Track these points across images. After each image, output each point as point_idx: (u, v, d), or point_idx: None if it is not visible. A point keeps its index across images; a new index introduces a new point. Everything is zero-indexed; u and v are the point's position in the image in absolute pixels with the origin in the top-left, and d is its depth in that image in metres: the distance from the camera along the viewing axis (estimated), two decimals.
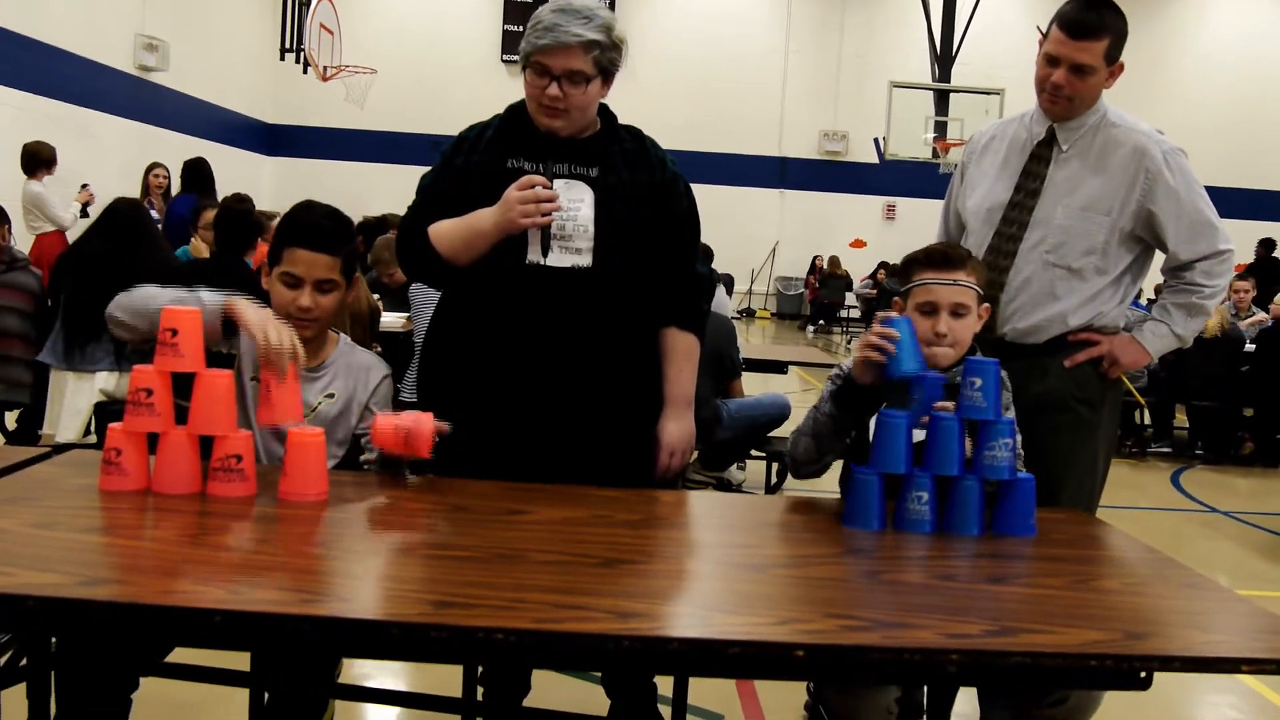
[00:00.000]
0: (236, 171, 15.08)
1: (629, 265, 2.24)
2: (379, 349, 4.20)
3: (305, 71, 13.55)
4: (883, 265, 17.02)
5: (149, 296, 2.03)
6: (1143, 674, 1.46)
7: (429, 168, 2.32)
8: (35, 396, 4.66)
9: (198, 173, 7.73)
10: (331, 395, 2.21)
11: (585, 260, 2.20)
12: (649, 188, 2.29)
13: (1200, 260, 2.56)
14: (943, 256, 2.19)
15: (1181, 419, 8.05)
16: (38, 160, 7.85)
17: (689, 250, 2.36)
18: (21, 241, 7.40)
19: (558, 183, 2.18)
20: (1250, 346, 7.71)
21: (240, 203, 4.75)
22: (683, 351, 2.35)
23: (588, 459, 2.20)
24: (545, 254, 2.16)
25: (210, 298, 2.02)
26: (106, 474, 1.79)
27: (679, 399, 2.35)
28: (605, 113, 2.32)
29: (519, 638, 1.34)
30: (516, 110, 2.28)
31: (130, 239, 4.42)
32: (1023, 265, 2.55)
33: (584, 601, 1.46)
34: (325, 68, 13.04)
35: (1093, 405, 2.58)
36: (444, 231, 2.19)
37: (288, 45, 14.59)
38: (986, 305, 2.25)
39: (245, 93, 16.62)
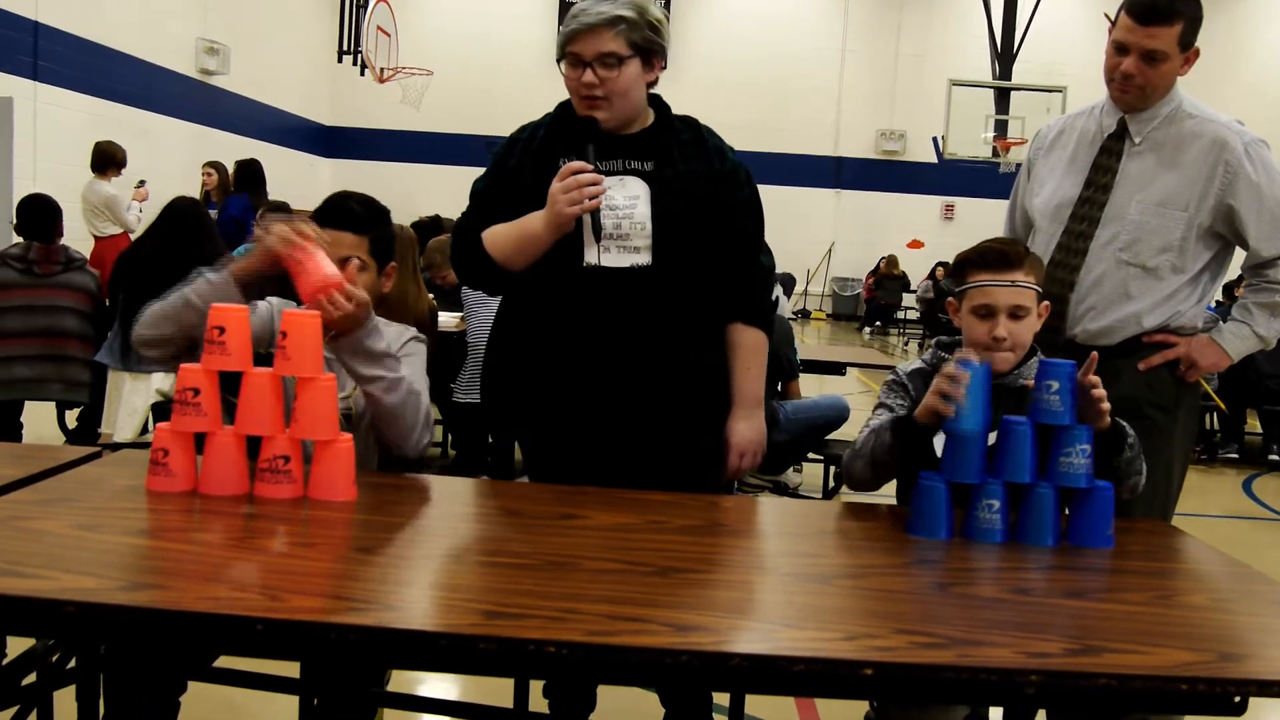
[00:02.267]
0: (294, 172, 15.27)
1: (690, 261, 2.17)
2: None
3: (363, 74, 13.68)
4: (940, 264, 16.76)
5: (161, 302, 2.00)
6: (1237, 699, 1.36)
7: (483, 169, 2.27)
8: (94, 396, 4.71)
9: (250, 173, 7.79)
10: None
11: (644, 259, 2.13)
12: (708, 179, 2.21)
13: None
14: (999, 256, 2.08)
15: (1253, 423, 7.80)
16: (111, 160, 7.94)
17: (753, 242, 2.28)
18: (81, 244, 7.53)
19: (611, 180, 2.12)
20: None
21: (276, 209, 4.75)
22: (750, 348, 2.27)
23: (654, 462, 2.14)
24: (598, 242, 2.09)
25: (212, 273, 1.97)
26: (154, 474, 1.76)
27: (748, 398, 2.27)
28: (658, 104, 2.25)
29: (571, 651, 1.28)
30: (566, 108, 2.22)
31: (188, 237, 4.44)
32: (1094, 264, 2.45)
33: (640, 613, 1.39)
34: (382, 70, 13.14)
35: (1167, 410, 2.47)
36: (497, 237, 2.13)
37: (345, 48, 14.74)
38: (1046, 304, 2.15)
39: (303, 95, 16.80)
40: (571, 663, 1.29)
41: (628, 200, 2.14)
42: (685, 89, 18.69)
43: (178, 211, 4.55)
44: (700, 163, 2.22)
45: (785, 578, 1.60)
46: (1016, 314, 2.05)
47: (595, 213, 2.06)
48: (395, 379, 1.99)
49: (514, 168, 2.18)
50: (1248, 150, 2.41)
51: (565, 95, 2.23)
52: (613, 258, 2.11)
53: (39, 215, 4.74)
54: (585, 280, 2.11)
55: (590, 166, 2.06)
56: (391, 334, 2.16)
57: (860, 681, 1.29)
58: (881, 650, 1.32)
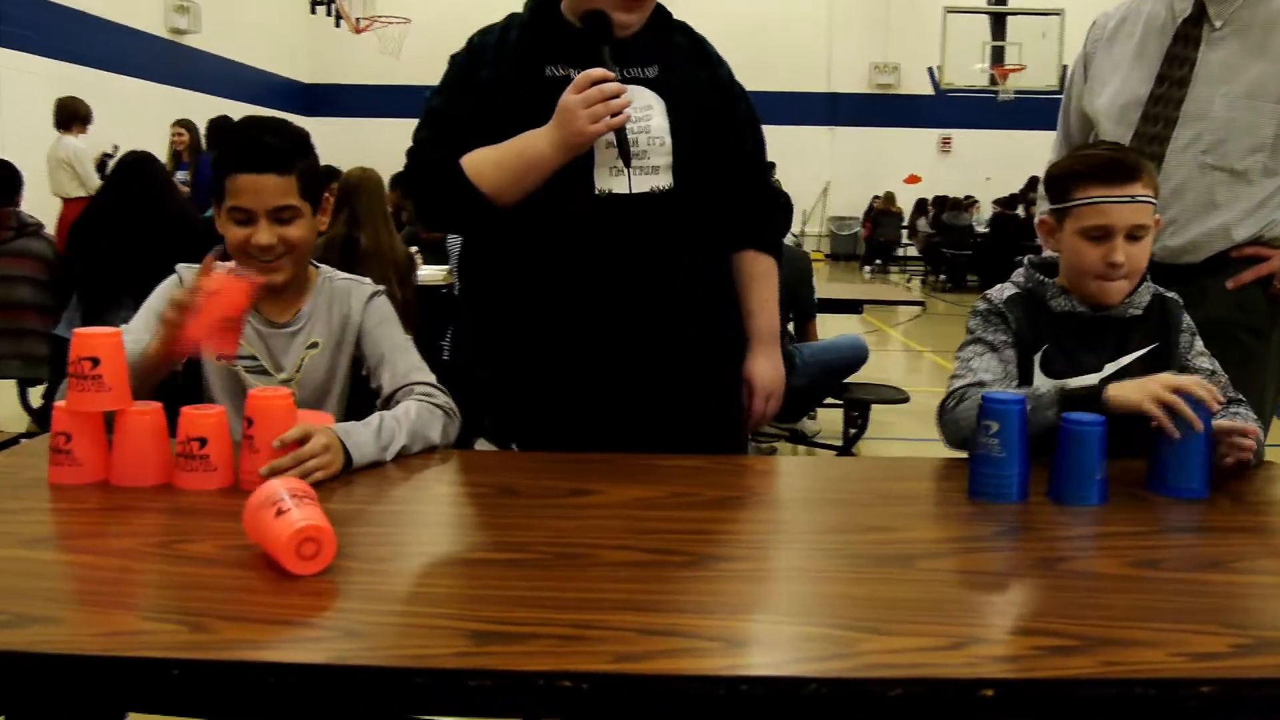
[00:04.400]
0: None
1: (711, 182, 1.83)
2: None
3: (338, 25, 13.20)
4: (937, 200, 16.36)
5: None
6: None
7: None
8: (56, 372, 4.37)
9: (223, 131, 7.39)
10: (315, 345, 1.81)
11: (665, 180, 1.79)
12: (713, 88, 1.88)
13: None
14: (1114, 166, 1.72)
15: None
16: (75, 115, 7.61)
17: (761, 161, 1.97)
18: (49, 208, 7.18)
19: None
20: None
21: None
22: (764, 278, 1.95)
23: (670, 416, 1.81)
24: (628, 166, 1.73)
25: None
26: (55, 465, 1.43)
27: (766, 333, 1.96)
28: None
29: (593, 685, 0.96)
30: (543, 5, 1.85)
31: (142, 193, 4.07)
32: (1173, 170, 2.11)
33: (678, 623, 1.07)
34: (358, 20, 12.67)
35: (1260, 334, 2.15)
36: (485, 163, 1.75)
37: None
38: (1158, 217, 1.81)
39: (279, 52, 16.25)
40: (594, 700, 0.97)
41: (641, 112, 1.78)
42: None
43: (128, 166, 4.18)
44: (702, 69, 1.89)
45: (854, 561, 1.27)
46: (1135, 234, 1.71)
47: (621, 130, 1.70)
48: (408, 442, 1.64)
49: (487, 80, 1.80)
50: None
51: None
52: (628, 181, 1.77)
53: None
54: (598, 210, 1.76)
55: (612, 74, 1.70)
56: (348, 297, 1.82)
57: (978, 705, 0.97)
58: (1001, 662, 1.00)
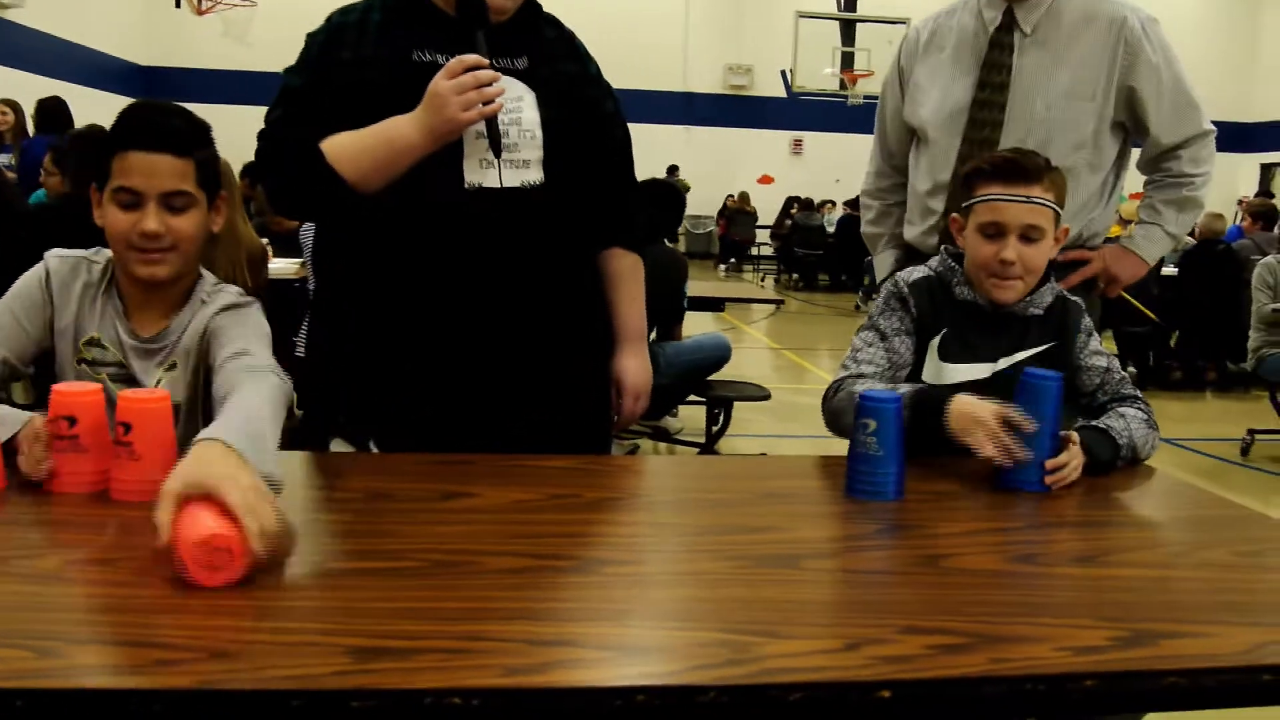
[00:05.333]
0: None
1: (581, 178, 1.79)
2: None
3: (178, 5, 12.58)
4: (793, 200, 16.73)
5: None
6: None
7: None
8: None
9: (55, 113, 6.96)
10: (174, 366, 1.65)
11: (535, 175, 1.74)
12: (583, 82, 1.85)
13: (1184, 145, 2.27)
14: (1012, 167, 1.76)
15: (1109, 345, 7.90)
16: None
17: (626, 158, 1.94)
18: None
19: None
20: (1172, 270, 7.56)
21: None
22: (630, 275, 1.94)
23: (536, 414, 1.77)
24: (499, 157, 1.68)
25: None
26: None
27: (634, 332, 1.94)
28: None
29: (485, 700, 0.91)
30: None
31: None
32: None
33: (569, 632, 1.03)
34: (200, 2, 12.11)
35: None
36: (347, 148, 1.65)
37: None
38: (1066, 227, 1.85)
39: (115, 32, 15.39)
40: (485, 716, 0.92)
41: (511, 103, 1.72)
42: None
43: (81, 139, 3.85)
44: (573, 62, 1.85)
45: (743, 562, 1.26)
46: (1029, 235, 1.75)
47: (493, 120, 1.65)
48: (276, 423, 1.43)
49: (348, 60, 1.71)
50: (1144, 28, 2.23)
51: None
52: (499, 174, 1.71)
53: None
54: (467, 205, 1.69)
55: (486, 61, 1.64)
56: (209, 308, 1.66)
57: (877, 706, 0.96)
58: (896, 662, 1.00)
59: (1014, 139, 2.19)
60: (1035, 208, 1.75)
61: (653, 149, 17.88)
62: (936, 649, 1.03)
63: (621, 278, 1.91)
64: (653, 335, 4.35)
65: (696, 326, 6.03)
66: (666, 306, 4.29)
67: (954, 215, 1.88)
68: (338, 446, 1.97)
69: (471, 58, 1.62)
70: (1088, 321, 1.87)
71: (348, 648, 0.97)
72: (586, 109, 1.83)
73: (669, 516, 1.48)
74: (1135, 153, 2.40)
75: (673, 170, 17.43)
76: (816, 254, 14.69)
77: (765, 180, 18.79)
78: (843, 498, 1.54)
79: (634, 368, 1.91)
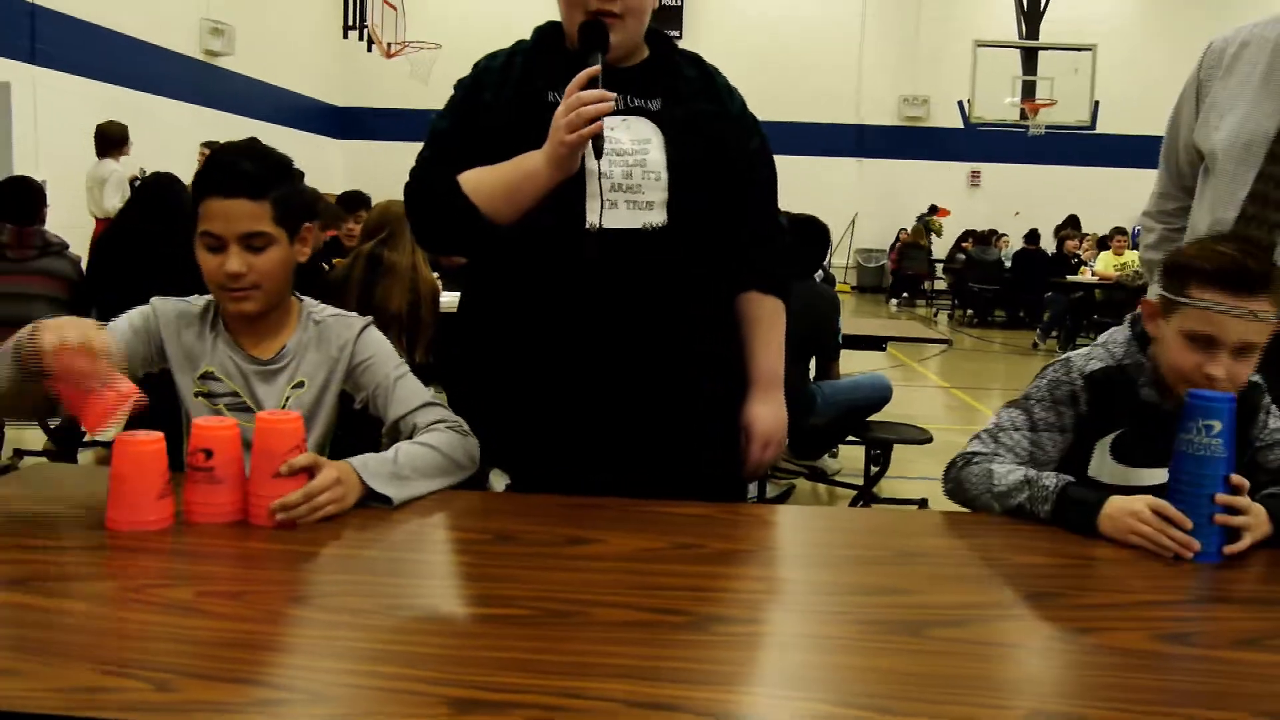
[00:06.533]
0: (306, 155, 14.83)
1: (709, 219, 1.77)
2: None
3: (369, 49, 13.27)
4: (968, 234, 16.25)
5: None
6: None
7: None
8: None
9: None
10: (301, 384, 1.74)
11: (658, 217, 1.73)
12: (720, 122, 1.82)
13: None
14: (1239, 274, 1.54)
15: None
16: (109, 140, 7.85)
17: (770, 198, 1.90)
18: (82, 227, 7.27)
19: (614, 120, 1.71)
20: None
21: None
22: (769, 320, 1.89)
23: (665, 461, 1.75)
24: (599, 158, 1.67)
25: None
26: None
27: (769, 378, 1.88)
28: (654, 37, 1.84)
29: None
30: (547, 34, 1.81)
31: (162, 212, 4.06)
32: None
33: (671, 694, 1.00)
34: (389, 44, 12.74)
35: None
36: (483, 180, 1.70)
37: (350, 22, 14.32)
38: (1277, 326, 1.61)
39: (312, 75, 16.38)
40: None
41: (637, 144, 1.73)
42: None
43: (150, 187, 4.17)
44: (711, 102, 1.83)
45: (863, 627, 1.20)
46: (1244, 349, 1.57)
47: (598, 137, 1.64)
48: (439, 471, 1.65)
49: (489, 103, 1.75)
50: None
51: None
52: (620, 216, 1.71)
53: (16, 196, 4.39)
54: (587, 245, 1.71)
55: (596, 72, 1.64)
56: (337, 332, 1.77)
57: None
58: None
59: None
60: (1258, 325, 1.55)
61: (825, 182, 17.77)
62: None
63: (758, 321, 1.88)
64: (810, 374, 4.28)
65: (863, 365, 5.91)
66: (820, 344, 4.21)
67: (1147, 299, 1.70)
68: (496, 478, 2.01)
69: (584, 74, 1.63)
70: (1268, 399, 1.70)
71: (446, 698, 0.97)
72: (723, 149, 1.80)
73: (795, 572, 1.44)
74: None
75: (933, 210, 17.19)
76: (992, 289, 14.20)
77: (942, 213, 18.34)
78: (982, 560, 1.46)
79: (765, 415, 1.87)
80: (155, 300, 1.76)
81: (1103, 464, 1.66)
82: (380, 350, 1.78)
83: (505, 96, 1.75)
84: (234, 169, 1.65)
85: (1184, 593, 1.38)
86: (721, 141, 1.80)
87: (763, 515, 1.71)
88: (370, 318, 1.82)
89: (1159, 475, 1.60)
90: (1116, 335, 1.73)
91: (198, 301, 1.77)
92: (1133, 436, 1.66)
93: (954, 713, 0.99)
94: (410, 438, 1.69)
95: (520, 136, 1.69)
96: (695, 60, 1.88)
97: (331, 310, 1.81)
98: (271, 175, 1.68)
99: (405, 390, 1.75)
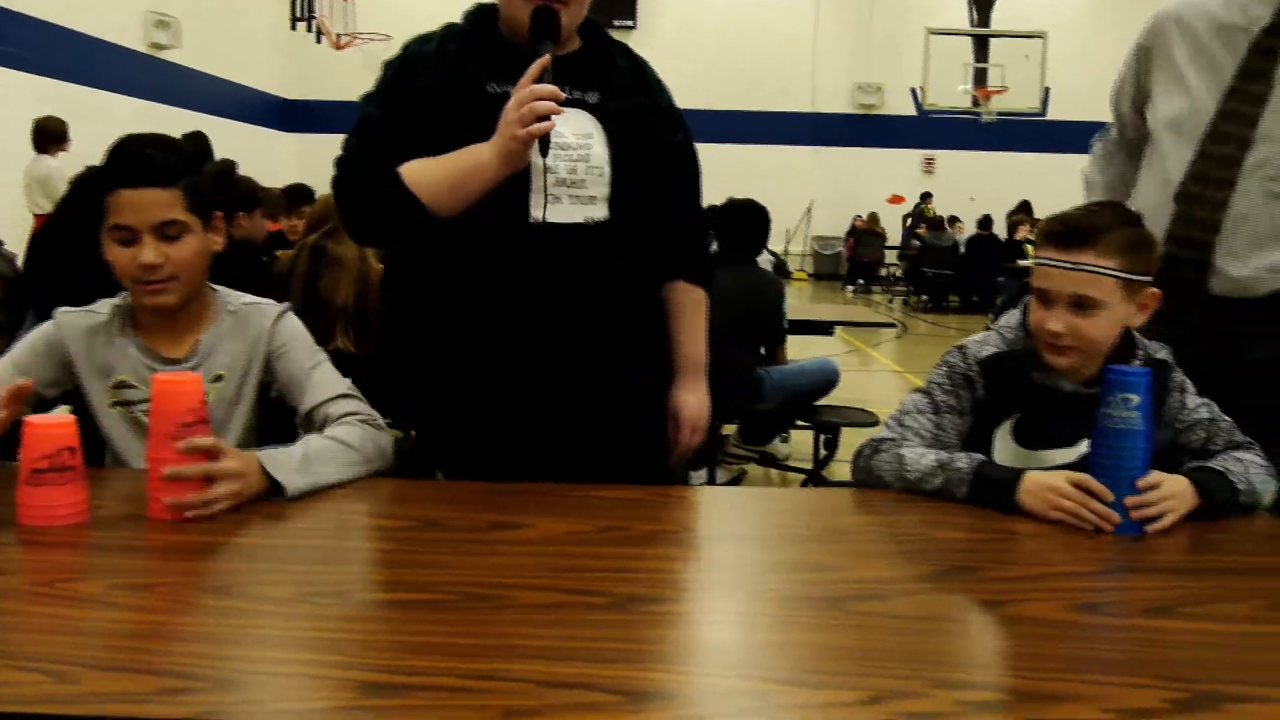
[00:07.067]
0: (255, 149, 14.68)
1: (645, 213, 1.78)
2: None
3: (319, 41, 13.12)
4: (922, 220, 16.35)
5: None
6: None
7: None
8: None
9: (197, 147, 7.33)
10: (220, 378, 1.71)
11: (600, 211, 1.73)
12: (654, 115, 1.83)
13: None
14: (1063, 230, 1.61)
15: None
16: (47, 135, 7.67)
17: (696, 190, 1.92)
18: (21, 225, 7.12)
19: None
20: None
21: (224, 168, 4.32)
22: (693, 309, 1.92)
23: (598, 454, 1.75)
24: (544, 156, 1.65)
25: None
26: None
27: (694, 365, 1.92)
28: (585, 25, 1.82)
29: None
30: (480, 18, 1.79)
31: (99, 207, 3.99)
32: (1239, 196, 1.92)
33: (584, 674, 1.00)
34: (339, 36, 12.61)
35: None
36: (424, 172, 1.66)
37: (299, 14, 14.16)
38: (1154, 293, 1.65)
39: (261, 68, 16.16)
40: None
41: (580, 139, 1.72)
42: (655, 48, 18.19)
43: (87, 183, 4.09)
44: (644, 95, 1.84)
45: (783, 603, 1.21)
46: (1082, 304, 1.60)
47: (545, 136, 1.62)
48: (346, 465, 1.60)
49: (426, 91, 1.72)
50: None
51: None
52: (564, 210, 1.70)
53: None
54: (528, 239, 1.69)
55: (548, 61, 1.62)
56: (252, 320, 1.74)
57: None
58: (917, 718, 0.94)
59: (1254, 160, 1.90)
60: (1087, 276, 1.59)
61: (779, 170, 17.82)
62: (967, 705, 0.96)
63: (684, 310, 1.90)
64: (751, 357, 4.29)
65: (817, 350, 5.94)
66: (764, 329, 4.22)
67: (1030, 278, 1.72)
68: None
69: (536, 66, 1.60)
70: (1179, 376, 1.72)
71: (355, 682, 0.97)
72: (656, 143, 1.81)
73: (720, 552, 1.44)
74: None
75: (926, 197, 17.25)
76: (946, 274, 14.33)
77: (896, 200, 18.48)
78: (909, 536, 1.47)
79: (691, 401, 1.90)
80: (59, 314, 1.71)
81: (1005, 449, 1.68)
82: (296, 338, 1.76)
83: (441, 84, 1.72)
84: (142, 158, 1.62)
85: (1102, 564, 1.40)
86: (656, 135, 1.81)
87: (690, 497, 1.71)
88: (288, 304, 1.79)
89: (1060, 456, 1.64)
90: (1010, 320, 1.75)
91: (102, 309, 1.72)
92: (1030, 420, 1.68)
93: (863, 683, 1.00)
94: (322, 429, 1.66)
95: (457, 126, 1.67)
96: (625, 50, 1.87)
97: (248, 298, 1.78)
98: (180, 163, 1.65)
99: (319, 381, 1.72)
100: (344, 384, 1.73)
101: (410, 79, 1.74)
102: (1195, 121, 1.98)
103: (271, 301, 1.78)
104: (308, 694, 0.95)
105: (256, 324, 1.74)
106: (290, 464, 1.52)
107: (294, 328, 1.77)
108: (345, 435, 1.63)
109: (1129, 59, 2.17)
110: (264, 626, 1.09)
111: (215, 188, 4.08)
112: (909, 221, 17.41)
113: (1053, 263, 1.62)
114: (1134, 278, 1.61)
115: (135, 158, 1.62)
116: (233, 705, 0.92)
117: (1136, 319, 1.66)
